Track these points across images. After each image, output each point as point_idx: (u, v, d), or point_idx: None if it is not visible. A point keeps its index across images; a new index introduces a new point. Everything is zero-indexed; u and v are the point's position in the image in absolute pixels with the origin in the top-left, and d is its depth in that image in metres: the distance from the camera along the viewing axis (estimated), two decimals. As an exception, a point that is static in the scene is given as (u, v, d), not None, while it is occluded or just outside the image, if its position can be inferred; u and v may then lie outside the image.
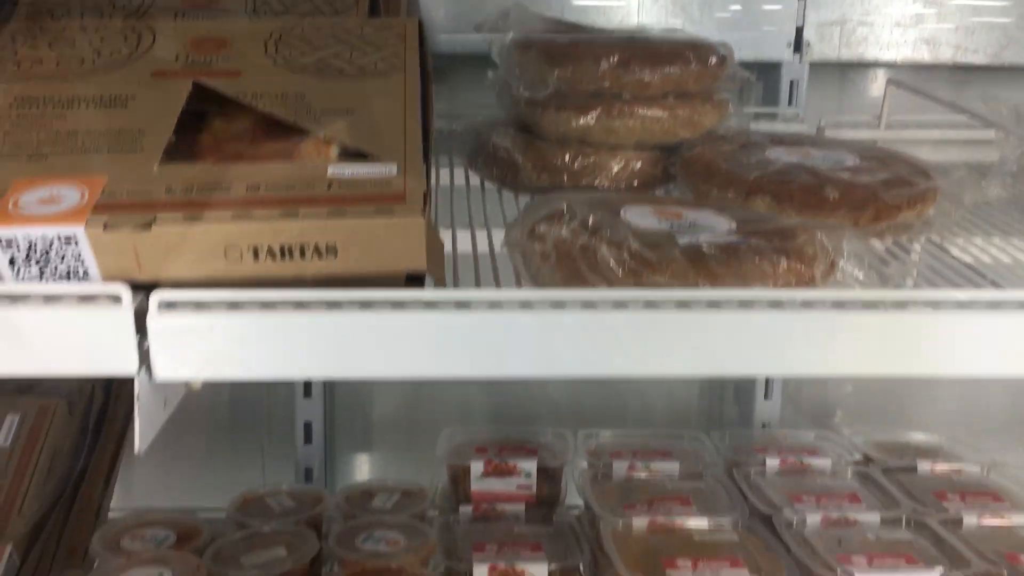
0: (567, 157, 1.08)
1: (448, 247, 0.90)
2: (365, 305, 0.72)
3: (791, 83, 1.48)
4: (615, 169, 1.09)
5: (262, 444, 1.56)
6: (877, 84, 1.55)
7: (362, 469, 1.59)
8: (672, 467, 1.31)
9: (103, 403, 1.36)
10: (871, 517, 1.17)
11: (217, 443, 1.56)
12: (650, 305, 0.74)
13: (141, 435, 0.70)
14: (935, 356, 0.75)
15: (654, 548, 1.10)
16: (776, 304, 0.75)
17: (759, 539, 1.12)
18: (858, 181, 0.98)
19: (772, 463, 1.32)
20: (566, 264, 0.79)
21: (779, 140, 1.10)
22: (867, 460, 1.35)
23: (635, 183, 1.09)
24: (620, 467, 1.31)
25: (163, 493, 1.47)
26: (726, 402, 1.61)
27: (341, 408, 1.57)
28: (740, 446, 1.39)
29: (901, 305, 0.75)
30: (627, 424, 1.60)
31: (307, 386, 1.50)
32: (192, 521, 1.24)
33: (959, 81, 1.50)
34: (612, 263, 0.76)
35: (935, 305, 0.75)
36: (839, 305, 0.75)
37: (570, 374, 0.73)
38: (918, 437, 1.43)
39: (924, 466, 1.33)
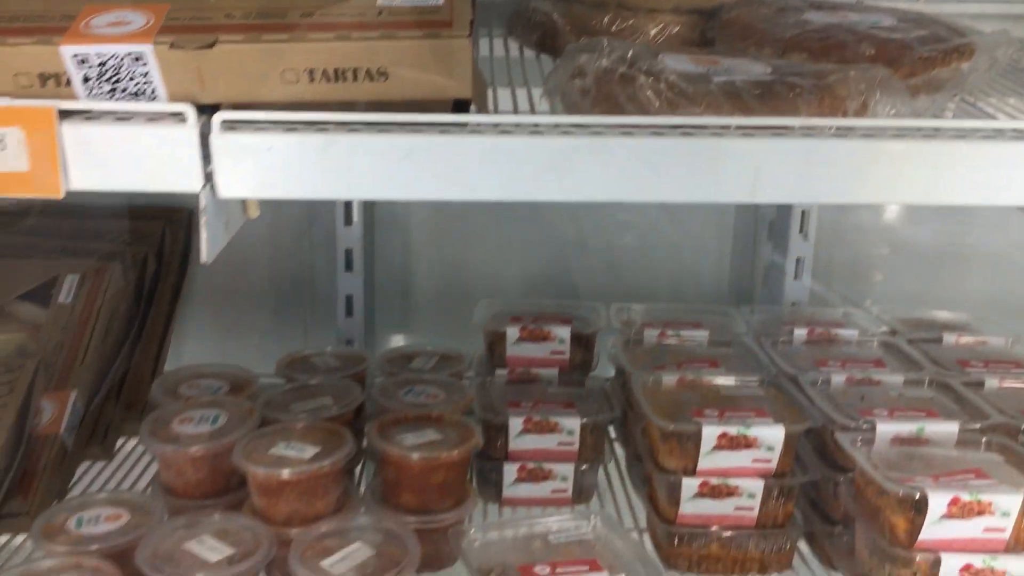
0: (605, 20, 1.10)
1: (489, 105, 0.94)
2: (413, 128, 0.76)
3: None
4: (652, 32, 1.11)
5: (305, 318, 1.62)
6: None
7: (400, 342, 1.65)
8: (702, 335, 1.35)
9: (155, 270, 1.43)
10: (894, 378, 1.21)
11: (262, 317, 1.62)
12: (686, 133, 0.78)
13: (207, 248, 0.75)
14: (963, 184, 0.77)
15: (683, 400, 1.15)
16: (808, 133, 0.78)
17: (784, 394, 1.17)
18: (894, 38, 0.99)
19: (799, 333, 1.36)
20: (605, 97, 0.82)
21: (817, 5, 1.11)
22: (893, 333, 1.38)
23: (676, 47, 1.11)
24: (651, 335, 1.35)
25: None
26: (756, 283, 1.65)
27: (381, 282, 1.63)
28: (769, 319, 1.42)
29: (930, 135, 0.78)
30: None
31: (348, 260, 1.55)
32: (244, 375, 1.31)
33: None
34: (650, 93, 0.79)
35: (963, 134, 0.78)
36: (870, 135, 0.78)
37: (607, 198, 0.77)
38: (945, 314, 1.46)
39: (949, 338, 1.36)
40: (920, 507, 0.92)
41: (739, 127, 0.79)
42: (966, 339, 1.36)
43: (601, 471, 1.29)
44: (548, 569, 1.00)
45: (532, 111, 0.91)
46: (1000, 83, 1.08)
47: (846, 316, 1.44)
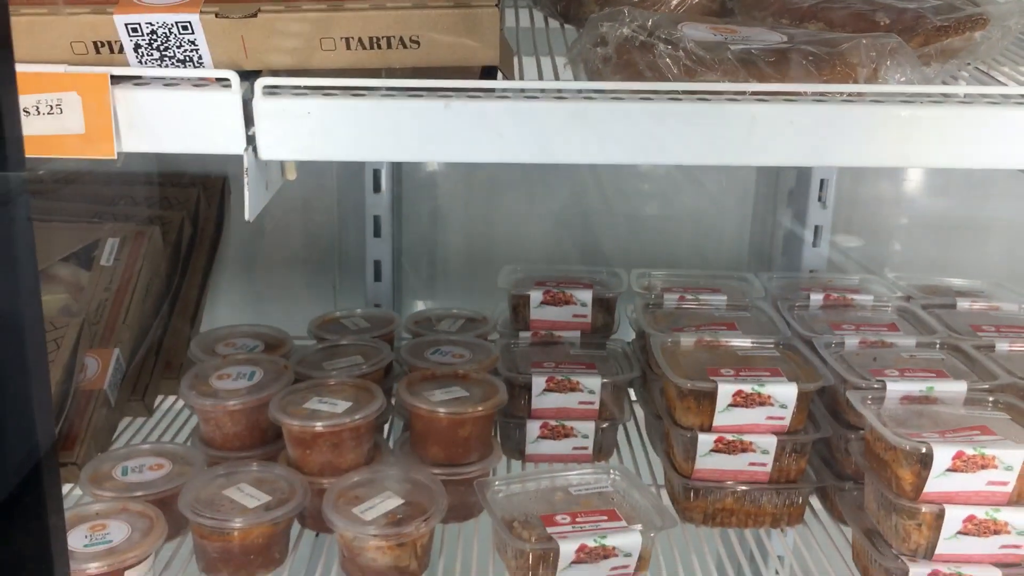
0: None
1: (515, 72, 0.98)
2: (444, 94, 0.80)
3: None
4: (674, 2, 1.14)
5: (334, 282, 1.68)
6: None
7: (427, 306, 1.70)
8: (720, 299, 1.39)
9: (191, 235, 1.48)
10: (907, 341, 1.25)
11: (293, 282, 1.67)
12: (702, 99, 0.81)
13: (250, 206, 0.80)
14: (968, 148, 0.81)
15: (700, 360, 1.19)
16: (820, 99, 0.82)
17: (799, 356, 1.21)
18: (909, 7, 1.02)
19: (816, 298, 1.39)
20: (625, 64, 0.86)
21: (835, -25, 1.13)
22: (908, 299, 1.41)
23: (696, 17, 1.14)
24: (671, 299, 1.39)
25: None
26: (776, 251, 1.68)
27: (408, 248, 1.67)
28: (787, 285, 1.46)
29: (938, 100, 0.81)
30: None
31: (377, 227, 1.60)
32: (278, 335, 1.36)
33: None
34: (668, 60, 0.83)
35: (970, 100, 0.81)
36: (879, 100, 0.81)
37: (626, 160, 0.81)
38: (960, 282, 1.49)
39: (964, 304, 1.39)
40: (926, 461, 0.96)
41: (754, 93, 0.82)
42: (980, 305, 1.39)
43: (621, 430, 1.34)
44: (568, 518, 1.05)
45: (557, 78, 0.95)
46: (1014, 52, 1.11)
47: (863, 282, 1.48)
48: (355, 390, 1.18)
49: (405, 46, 0.78)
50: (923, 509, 0.97)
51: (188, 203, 1.49)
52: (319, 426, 1.10)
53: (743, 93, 0.82)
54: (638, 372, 1.30)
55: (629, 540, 1.01)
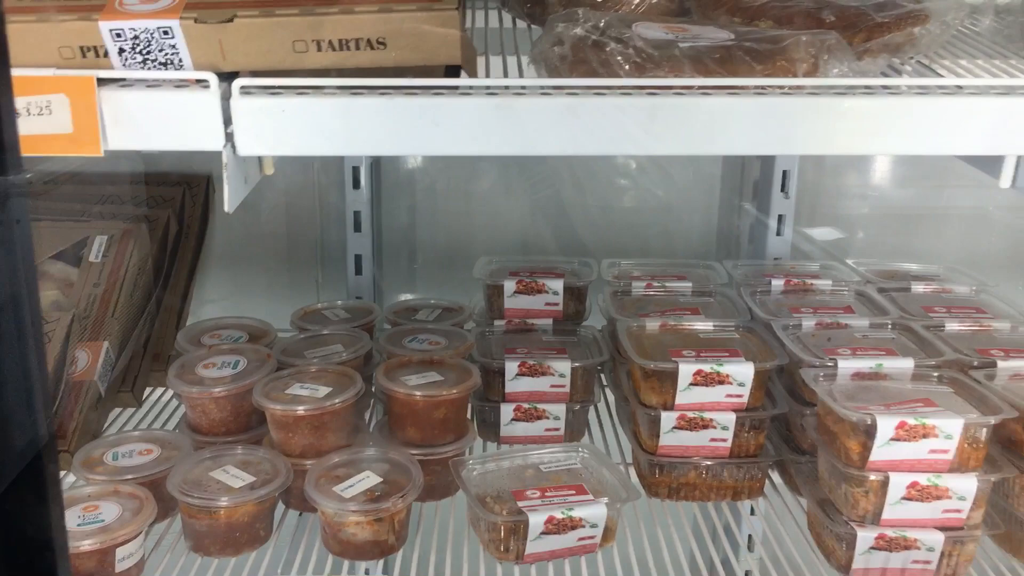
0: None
1: (482, 71, 1.03)
2: (410, 92, 0.85)
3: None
4: (635, 2, 1.20)
5: (317, 277, 1.73)
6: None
7: (406, 297, 1.75)
8: (686, 286, 1.45)
9: (177, 232, 1.53)
10: (861, 322, 1.31)
11: (276, 277, 1.73)
12: (651, 94, 0.87)
13: (229, 199, 0.86)
14: (897, 135, 0.87)
15: (664, 343, 1.25)
16: (760, 92, 0.88)
17: (758, 338, 1.27)
18: (852, 5, 1.08)
19: (777, 283, 1.46)
20: (581, 62, 0.92)
21: (785, -25, 1.19)
22: (867, 283, 1.47)
23: (653, 16, 1.20)
24: (639, 286, 1.45)
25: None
26: (742, 240, 1.74)
27: (388, 242, 1.73)
28: (750, 272, 1.52)
29: (871, 92, 0.87)
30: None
31: (357, 221, 1.65)
32: (261, 326, 1.42)
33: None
34: (619, 57, 0.88)
35: (895, 91, 0.87)
36: (816, 92, 0.87)
37: (582, 151, 0.87)
38: (916, 267, 1.56)
39: (918, 287, 1.45)
40: (871, 431, 1.02)
41: (700, 87, 0.88)
42: (933, 288, 1.45)
43: (592, 412, 1.40)
44: (538, 493, 1.11)
45: (521, 76, 1.00)
46: (956, 46, 1.17)
47: (823, 268, 1.54)
48: (335, 376, 1.23)
49: (372, 47, 0.83)
50: (870, 477, 1.03)
51: (174, 202, 1.54)
52: (301, 410, 1.15)
53: (690, 88, 0.88)
54: (607, 356, 1.36)
55: (595, 512, 1.07)
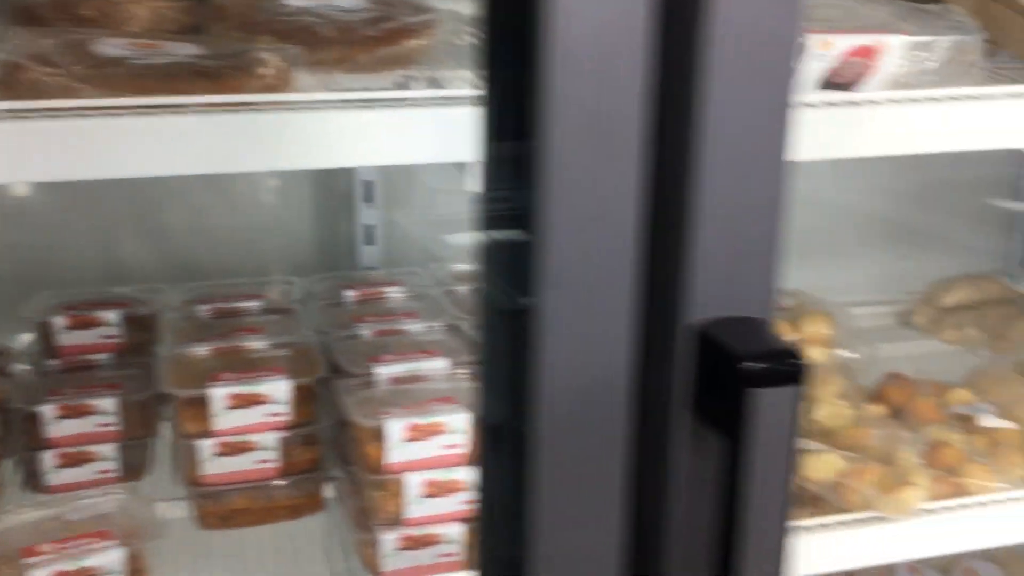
0: (92, 7, 1.12)
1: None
2: None
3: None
4: (146, 17, 1.15)
5: None
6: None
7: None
8: (256, 305, 1.42)
9: None
10: (417, 326, 1.34)
11: None
12: (80, 115, 0.83)
13: None
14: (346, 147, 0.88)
15: (212, 368, 1.20)
16: (205, 110, 0.86)
17: (309, 351, 1.26)
18: (349, 20, 1.10)
19: (349, 294, 1.46)
20: (15, 84, 0.86)
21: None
22: (436, 285, 1.51)
23: (171, 31, 1.15)
24: (202, 310, 1.40)
25: None
26: (340, 251, 1.74)
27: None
28: (330, 286, 1.52)
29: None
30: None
31: None
32: None
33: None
34: (45, 79, 0.83)
35: (341, 106, 0.89)
36: (243, 106, 0.87)
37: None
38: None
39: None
40: (381, 435, 1.04)
41: (138, 108, 0.85)
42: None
43: (161, 447, 1.33)
44: (53, 547, 1.03)
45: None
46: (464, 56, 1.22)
47: (403, 276, 1.57)
48: None
49: None
50: (387, 479, 1.05)
51: None
52: None
53: (128, 108, 0.85)
54: (160, 389, 1.29)
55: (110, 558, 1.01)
